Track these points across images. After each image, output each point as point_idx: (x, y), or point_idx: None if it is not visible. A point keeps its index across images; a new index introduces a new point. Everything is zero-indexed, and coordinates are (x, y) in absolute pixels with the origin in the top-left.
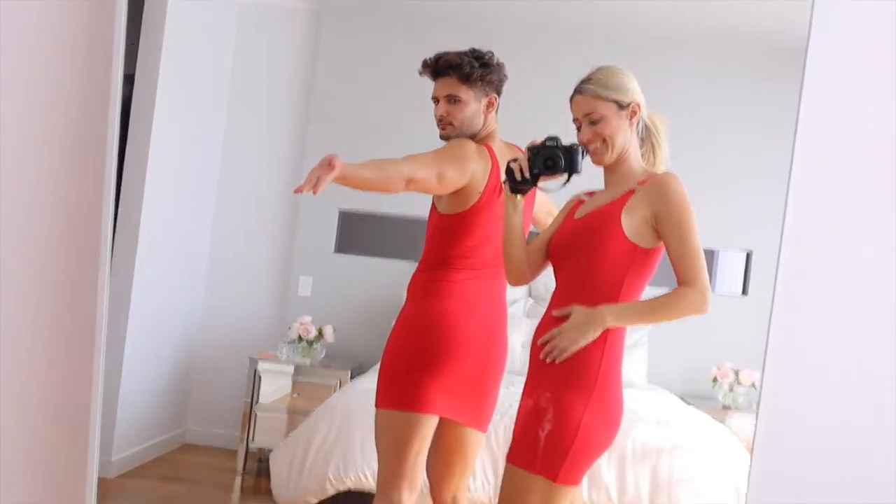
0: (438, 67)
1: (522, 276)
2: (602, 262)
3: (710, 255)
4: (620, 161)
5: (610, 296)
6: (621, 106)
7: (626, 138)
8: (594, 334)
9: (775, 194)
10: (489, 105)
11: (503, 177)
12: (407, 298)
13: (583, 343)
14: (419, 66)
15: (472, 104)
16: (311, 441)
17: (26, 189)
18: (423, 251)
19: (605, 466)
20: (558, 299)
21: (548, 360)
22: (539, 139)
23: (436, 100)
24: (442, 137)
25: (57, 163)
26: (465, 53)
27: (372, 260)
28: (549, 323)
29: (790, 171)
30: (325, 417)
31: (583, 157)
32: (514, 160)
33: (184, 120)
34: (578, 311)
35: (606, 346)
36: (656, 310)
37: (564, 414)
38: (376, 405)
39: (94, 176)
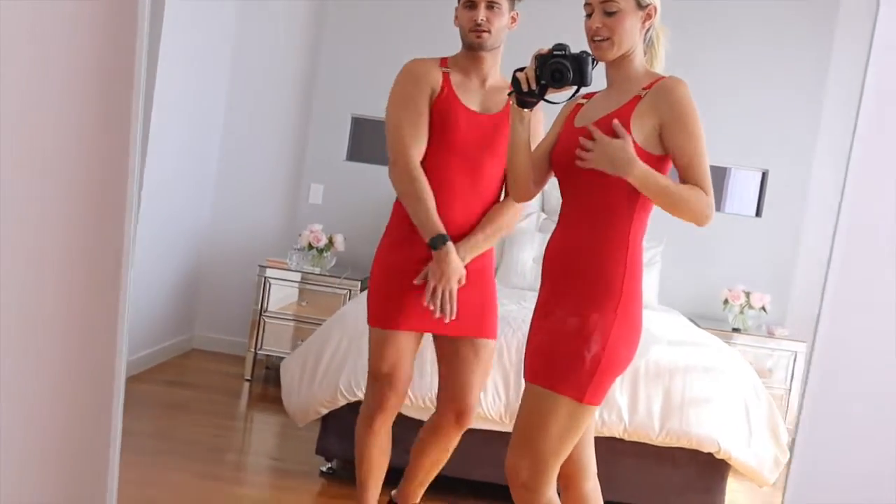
0: None
1: (529, 192)
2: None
3: (723, 173)
4: (625, 60)
5: (626, 209)
6: (640, 5)
7: (634, 40)
8: (613, 170)
9: (796, 114)
10: (512, 20)
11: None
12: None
13: (605, 167)
14: None
15: (506, 15)
16: (323, 351)
17: (50, 107)
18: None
19: (617, 387)
20: (571, 216)
21: (576, 163)
22: (546, 47)
23: (471, 4)
24: (475, 46)
25: (83, 80)
26: None
27: (385, 168)
28: (561, 237)
29: (858, 111)
30: (337, 328)
31: (592, 67)
32: (521, 69)
33: (193, 20)
34: (616, 144)
35: (628, 260)
36: (672, 192)
37: (591, 332)
38: (493, 337)
39: (123, 89)
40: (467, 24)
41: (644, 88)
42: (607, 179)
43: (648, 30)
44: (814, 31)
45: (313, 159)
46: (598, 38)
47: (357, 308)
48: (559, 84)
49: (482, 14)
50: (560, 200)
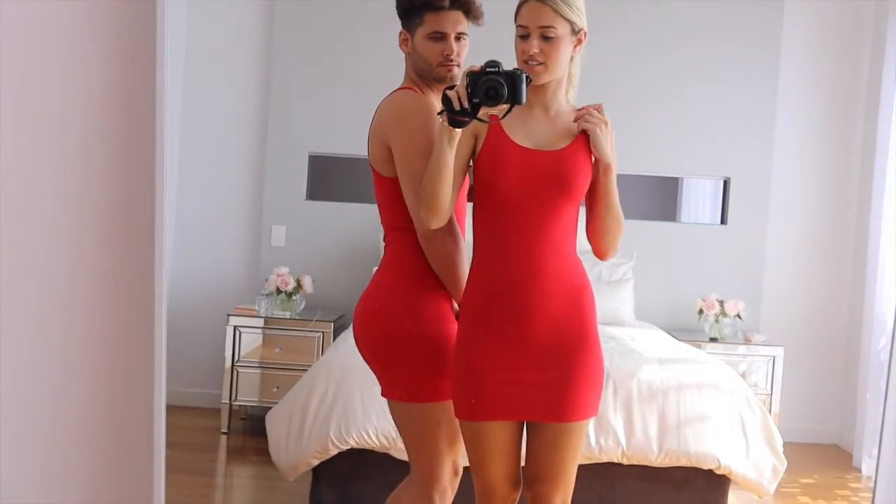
0: (459, 0)
1: (445, 218)
2: (577, 197)
3: (675, 183)
4: (557, 86)
5: (572, 231)
6: (574, 30)
7: (566, 65)
8: (608, 152)
9: (751, 120)
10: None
11: (438, 107)
12: None
13: (605, 145)
14: None
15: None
16: (309, 402)
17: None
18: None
19: (612, 410)
20: (528, 243)
21: (581, 121)
22: (477, 65)
23: (440, 35)
24: (449, 80)
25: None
26: None
27: (347, 205)
28: (524, 264)
29: None
30: (321, 376)
31: (527, 85)
32: (451, 87)
33: None
34: (608, 132)
35: (585, 273)
36: (618, 202)
37: (593, 353)
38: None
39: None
40: (439, 57)
41: (575, 120)
42: (569, 206)
43: (573, 56)
44: (761, 36)
45: (272, 201)
46: (533, 63)
47: (339, 353)
48: (493, 102)
49: (455, 46)
50: None
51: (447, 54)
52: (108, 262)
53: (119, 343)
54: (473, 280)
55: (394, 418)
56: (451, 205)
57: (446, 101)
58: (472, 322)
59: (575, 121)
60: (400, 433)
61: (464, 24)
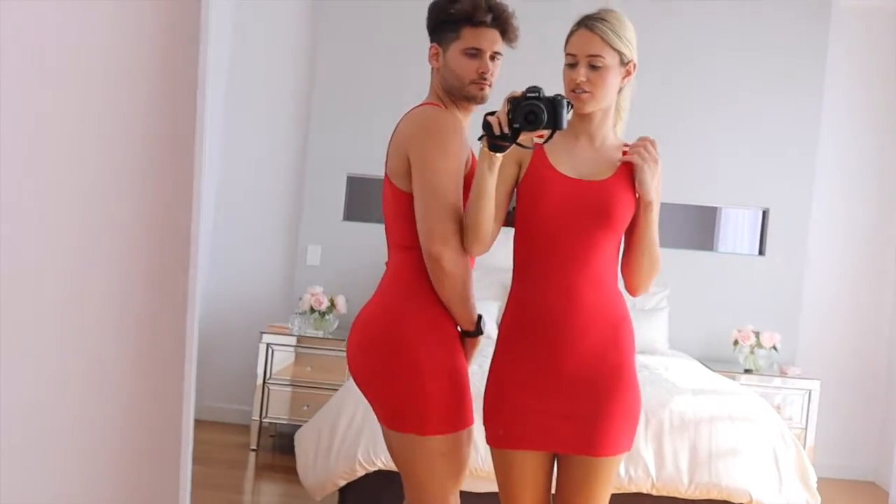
0: (501, 18)
1: (488, 246)
2: (618, 229)
3: (713, 213)
4: (603, 114)
5: (612, 264)
6: (623, 61)
7: (614, 95)
8: (651, 186)
9: (792, 151)
10: None
11: (464, 125)
12: None
13: (650, 180)
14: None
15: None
16: (338, 422)
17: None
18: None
19: (642, 441)
20: (567, 271)
21: (634, 155)
22: (518, 90)
23: (475, 52)
24: (480, 100)
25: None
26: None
27: (383, 227)
28: (561, 292)
29: None
30: (351, 396)
31: (568, 111)
32: (492, 113)
33: None
34: (656, 170)
35: (624, 304)
36: (657, 239)
37: (628, 385)
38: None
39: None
40: (473, 75)
41: (624, 148)
42: (610, 238)
43: (622, 88)
44: (804, 65)
45: (310, 220)
46: (580, 91)
47: None
48: (533, 127)
49: (490, 65)
50: None
51: (482, 72)
52: (142, 275)
53: (149, 356)
54: (510, 309)
55: (393, 449)
56: (494, 232)
57: (487, 126)
58: (507, 351)
59: (625, 153)
60: (399, 465)
61: (500, 44)
